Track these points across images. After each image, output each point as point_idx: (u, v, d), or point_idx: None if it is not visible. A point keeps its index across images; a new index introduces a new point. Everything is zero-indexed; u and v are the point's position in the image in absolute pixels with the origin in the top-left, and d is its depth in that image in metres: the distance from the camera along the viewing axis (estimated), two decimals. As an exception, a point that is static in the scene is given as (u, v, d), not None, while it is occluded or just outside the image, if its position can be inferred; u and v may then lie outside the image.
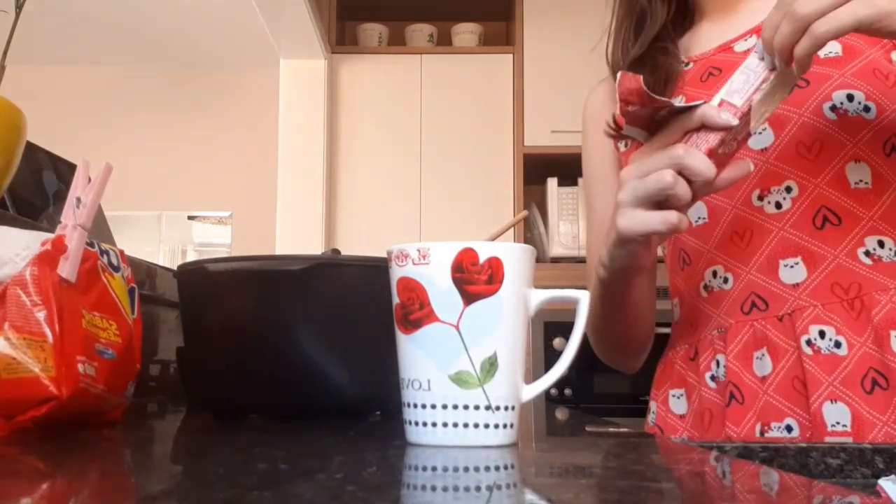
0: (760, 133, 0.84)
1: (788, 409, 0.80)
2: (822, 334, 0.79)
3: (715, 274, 0.87)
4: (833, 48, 0.84)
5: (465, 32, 3.78)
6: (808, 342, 0.80)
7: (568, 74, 3.48)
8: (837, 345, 0.79)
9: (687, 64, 0.93)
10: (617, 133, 0.70)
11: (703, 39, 0.95)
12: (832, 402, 0.77)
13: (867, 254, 0.81)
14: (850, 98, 0.82)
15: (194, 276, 0.72)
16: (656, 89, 0.88)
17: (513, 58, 3.61)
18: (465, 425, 0.49)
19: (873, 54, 0.83)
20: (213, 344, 0.71)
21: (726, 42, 0.91)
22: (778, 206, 0.83)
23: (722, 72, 0.89)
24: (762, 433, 0.80)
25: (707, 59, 0.92)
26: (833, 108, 0.82)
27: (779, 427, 0.80)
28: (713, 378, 0.87)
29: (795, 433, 0.79)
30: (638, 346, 0.96)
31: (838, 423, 0.76)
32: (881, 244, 0.81)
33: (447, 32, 3.81)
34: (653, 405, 0.95)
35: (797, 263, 0.82)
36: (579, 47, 3.79)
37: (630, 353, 0.97)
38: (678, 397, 0.91)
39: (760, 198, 0.84)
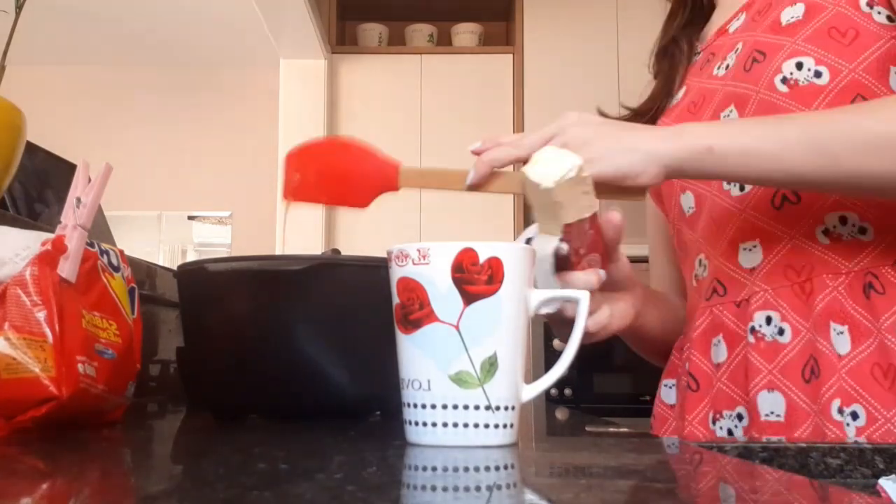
0: (728, 115, 0.84)
1: (740, 396, 0.79)
2: (768, 320, 0.78)
3: (699, 262, 0.87)
4: (797, 12, 0.80)
5: (465, 32, 3.79)
6: (753, 329, 0.78)
7: (568, 74, 3.48)
8: (781, 332, 0.77)
9: (698, 53, 0.94)
10: None
11: (710, 27, 0.95)
12: (769, 391, 0.76)
13: (826, 232, 0.77)
14: (800, 66, 0.77)
15: (194, 276, 0.72)
16: (669, 80, 0.94)
17: (513, 58, 3.61)
18: (465, 425, 0.49)
19: (835, 8, 0.78)
20: (213, 344, 0.71)
21: (721, 25, 0.91)
22: (742, 188, 0.81)
23: (715, 56, 0.89)
24: (714, 421, 0.79)
25: (708, 46, 0.92)
26: (784, 80, 0.78)
27: (730, 415, 0.79)
28: (686, 365, 0.87)
29: (746, 422, 0.78)
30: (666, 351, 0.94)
31: (772, 412, 0.75)
32: (843, 220, 0.77)
33: (447, 32, 3.81)
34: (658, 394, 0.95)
35: (755, 247, 0.80)
36: (579, 47, 3.80)
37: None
38: (670, 387, 0.91)
39: (729, 181, 0.83)
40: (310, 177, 0.78)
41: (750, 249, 0.81)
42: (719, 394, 0.80)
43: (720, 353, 0.81)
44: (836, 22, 0.78)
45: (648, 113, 0.95)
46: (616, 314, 0.70)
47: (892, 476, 0.55)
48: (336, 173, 0.79)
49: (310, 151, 0.81)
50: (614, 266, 0.68)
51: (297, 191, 0.78)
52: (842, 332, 0.74)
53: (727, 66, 0.86)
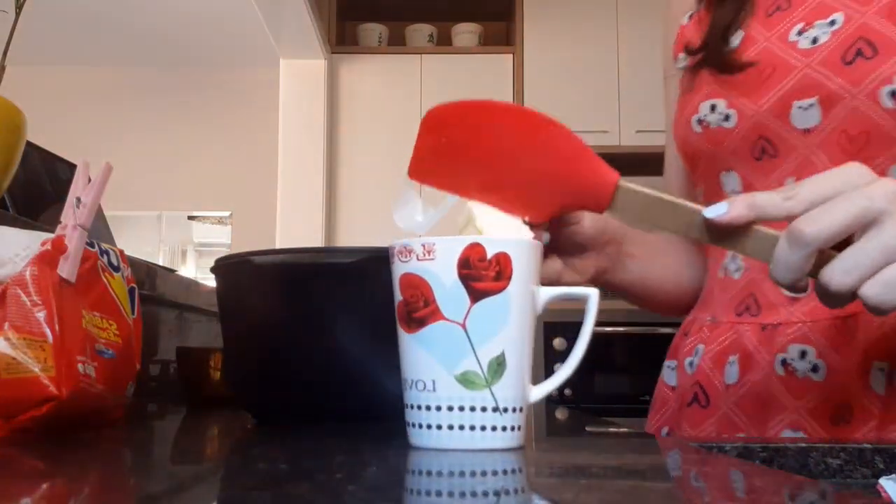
0: (807, 110, 0.71)
1: (745, 425, 0.74)
2: (802, 354, 0.71)
3: (734, 259, 0.79)
4: None
5: (465, 32, 3.79)
6: (784, 362, 0.72)
7: (568, 74, 3.48)
8: (815, 369, 0.70)
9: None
10: None
11: None
12: (793, 431, 0.71)
13: None
14: None
15: (237, 270, 0.69)
16: (723, 19, 0.78)
17: (513, 58, 3.61)
18: (472, 428, 0.47)
19: None
20: (259, 343, 0.68)
21: None
22: None
23: (791, 5, 0.75)
24: None
25: None
26: (893, 94, 0.66)
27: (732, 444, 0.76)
28: (690, 364, 0.82)
29: None
30: (684, 305, 0.87)
31: None
32: None
33: (447, 32, 3.81)
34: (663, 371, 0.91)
35: None
36: (579, 47, 3.80)
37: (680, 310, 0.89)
38: (672, 369, 0.86)
39: None
40: (457, 154, 0.56)
41: None
42: (725, 417, 0.76)
43: (732, 373, 0.76)
44: None
45: (685, 65, 0.82)
46: (569, 269, 0.64)
47: (892, 476, 0.55)
48: (506, 160, 0.55)
49: (468, 115, 0.56)
50: (570, 229, 0.63)
51: (428, 170, 0.57)
52: (882, 369, 0.69)
53: (814, 40, 0.71)
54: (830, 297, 0.51)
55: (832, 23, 0.70)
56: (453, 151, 0.56)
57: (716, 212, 0.51)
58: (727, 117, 0.75)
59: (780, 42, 0.74)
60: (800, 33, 0.72)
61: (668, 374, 0.87)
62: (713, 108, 0.76)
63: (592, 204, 0.55)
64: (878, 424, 0.68)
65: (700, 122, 0.77)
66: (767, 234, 0.52)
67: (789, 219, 0.50)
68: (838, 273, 0.49)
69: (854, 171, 0.51)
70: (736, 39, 0.77)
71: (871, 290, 0.49)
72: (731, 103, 0.75)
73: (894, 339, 0.69)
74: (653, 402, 0.91)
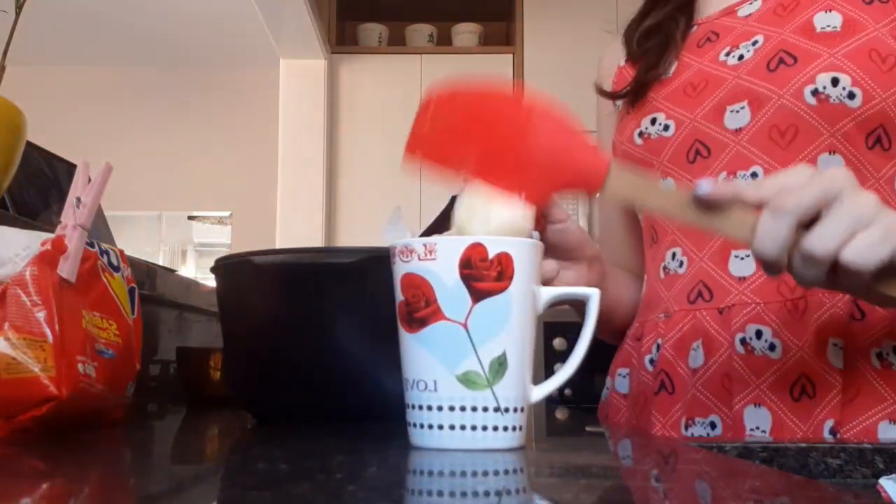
0: (738, 112, 0.80)
1: (714, 405, 0.77)
2: (758, 334, 0.76)
3: (674, 256, 0.84)
4: (833, 21, 0.77)
5: (465, 32, 3.79)
6: (743, 341, 0.76)
7: (568, 74, 3.48)
8: (772, 347, 0.75)
9: (692, 27, 0.89)
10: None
11: (711, 1, 0.90)
12: (755, 406, 0.75)
13: None
14: (835, 82, 0.74)
15: (237, 270, 0.69)
16: (658, 54, 0.87)
17: (513, 58, 3.61)
18: (473, 428, 0.47)
19: (877, 31, 0.75)
20: (260, 343, 0.68)
21: (730, 6, 0.87)
22: None
23: (719, 37, 0.85)
24: (686, 427, 0.78)
25: (710, 22, 0.87)
26: (815, 93, 0.75)
27: (703, 423, 0.77)
28: (651, 361, 0.84)
29: (718, 431, 0.77)
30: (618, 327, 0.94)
31: (757, 427, 0.74)
32: None
33: (447, 32, 3.81)
34: (607, 381, 0.94)
35: (747, 256, 0.78)
36: (579, 47, 3.80)
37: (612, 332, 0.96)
38: (623, 376, 0.89)
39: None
40: (455, 135, 0.58)
41: (742, 258, 0.79)
42: (694, 400, 0.78)
43: (697, 358, 0.79)
44: (876, 45, 0.75)
45: (626, 95, 0.90)
46: (563, 278, 0.66)
47: (892, 476, 0.55)
48: (503, 142, 0.58)
49: (467, 103, 0.59)
50: (555, 228, 0.65)
51: (425, 148, 0.58)
52: (836, 344, 0.73)
53: (740, 57, 0.82)
54: (809, 270, 0.57)
55: (755, 42, 0.81)
56: (451, 133, 0.59)
57: (703, 187, 0.57)
58: (666, 127, 0.85)
59: (711, 63, 0.84)
60: (727, 54, 0.83)
61: (620, 383, 0.90)
62: (654, 120, 0.85)
63: (586, 184, 0.59)
64: (841, 399, 0.72)
65: (641, 134, 0.86)
66: (747, 215, 0.57)
67: (762, 203, 0.56)
68: (818, 240, 0.55)
69: (803, 168, 0.58)
70: (670, 69, 0.87)
71: (851, 253, 0.55)
72: (670, 115, 0.84)
73: (844, 318, 0.74)
74: (600, 413, 0.94)
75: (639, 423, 0.85)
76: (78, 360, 0.57)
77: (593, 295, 0.52)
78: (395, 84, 3.60)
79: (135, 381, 0.66)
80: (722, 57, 0.83)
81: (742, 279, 0.79)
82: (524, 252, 0.49)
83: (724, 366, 0.77)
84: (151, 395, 1.04)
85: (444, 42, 3.82)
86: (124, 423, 0.65)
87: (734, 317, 0.78)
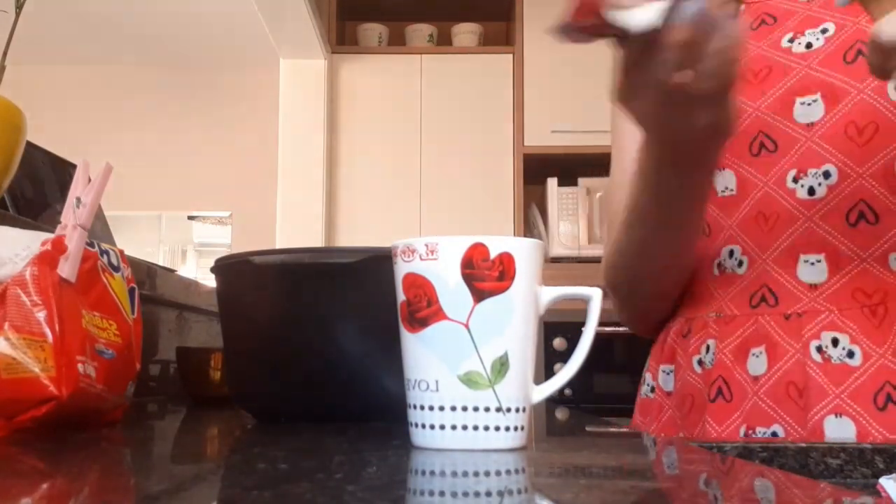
0: (810, 105, 0.74)
1: (777, 415, 0.74)
2: (835, 342, 0.72)
3: (731, 254, 0.80)
4: None
5: (465, 32, 3.78)
6: (819, 349, 0.73)
7: (568, 74, 3.48)
8: (850, 354, 0.71)
9: (741, 5, 0.83)
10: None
11: None
12: (836, 416, 0.71)
13: None
14: None
15: (237, 270, 0.69)
16: None
17: (513, 58, 3.61)
18: (475, 428, 0.47)
19: None
20: (260, 343, 0.68)
21: None
22: (811, 191, 0.74)
23: (777, 20, 0.79)
24: (746, 436, 0.75)
25: (762, 2, 0.82)
26: None
27: (764, 432, 0.74)
28: (700, 363, 0.81)
29: None
30: (682, 278, 0.85)
31: (840, 438, 0.70)
32: None
33: (447, 32, 3.81)
34: (647, 377, 0.90)
35: (819, 261, 0.74)
36: (579, 47, 3.80)
37: (672, 288, 0.86)
38: (668, 373, 0.85)
39: (795, 179, 0.74)
40: None
41: (813, 264, 0.74)
42: (755, 409, 0.75)
43: (759, 365, 0.75)
44: None
45: None
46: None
47: (892, 476, 0.55)
48: None
49: None
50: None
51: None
52: None
53: (808, 45, 0.76)
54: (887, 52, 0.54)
55: (824, 30, 0.75)
56: None
57: None
58: None
59: (772, 48, 0.77)
60: (791, 41, 0.77)
61: (665, 380, 0.86)
62: None
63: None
64: None
65: None
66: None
67: None
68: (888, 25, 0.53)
69: None
70: None
71: None
72: None
73: None
74: (639, 411, 0.89)
75: (685, 426, 0.81)
76: (78, 361, 0.57)
77: (594, 296, 0.52)
78: (395, 84, 3.60)
79: (135, 381, 0.66)
80: (785, 43, 0.78)
81: (814, 286, 0.75)
82: (526, 252, 0.49)
83: (789, 374, 0.74)
84: (151, 395, 1.04)
85: (444, 42, 3.81)
86: (124, 423, 0.65)
87: (806, 324, 0.74)
